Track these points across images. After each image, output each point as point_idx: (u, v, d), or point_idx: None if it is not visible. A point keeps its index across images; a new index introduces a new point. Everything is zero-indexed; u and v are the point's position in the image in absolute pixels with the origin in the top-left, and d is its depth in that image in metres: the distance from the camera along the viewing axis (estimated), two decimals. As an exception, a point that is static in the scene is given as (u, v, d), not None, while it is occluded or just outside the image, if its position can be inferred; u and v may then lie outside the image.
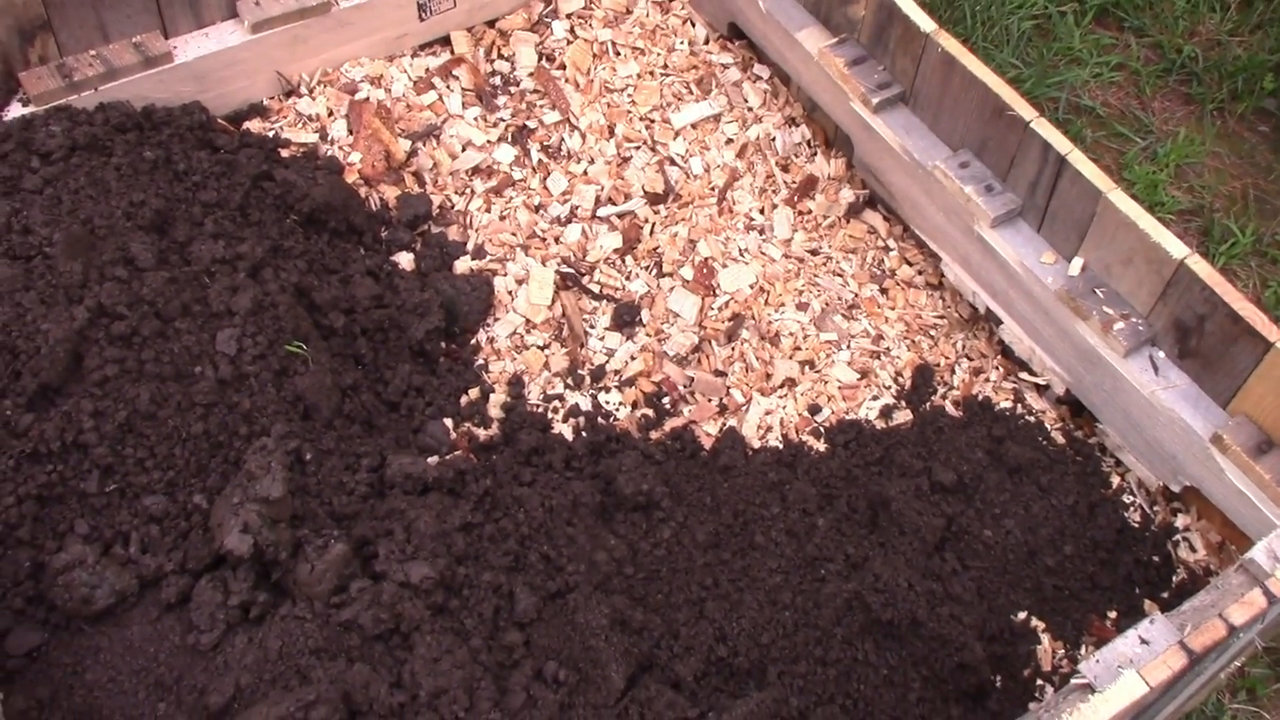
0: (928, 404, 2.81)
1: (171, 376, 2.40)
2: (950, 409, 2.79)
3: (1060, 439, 2.75)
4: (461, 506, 2.46)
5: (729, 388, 2.81)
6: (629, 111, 3.18)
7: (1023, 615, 2.47)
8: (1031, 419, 2.78)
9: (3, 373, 2.30)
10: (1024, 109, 2.65)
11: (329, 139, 3.03)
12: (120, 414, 2.34)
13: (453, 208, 3.04)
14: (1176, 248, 2.44)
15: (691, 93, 3.24)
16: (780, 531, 2.46)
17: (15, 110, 2.73)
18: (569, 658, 2.22)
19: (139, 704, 2.20)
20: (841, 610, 2.30)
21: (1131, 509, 2.65)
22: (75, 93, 2.76)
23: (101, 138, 2.69)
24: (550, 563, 2.41)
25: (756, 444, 2.72)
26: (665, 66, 3.27)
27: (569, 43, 3.26)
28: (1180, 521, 2.63)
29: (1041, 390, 2.82)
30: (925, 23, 2.79)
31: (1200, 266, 2.42)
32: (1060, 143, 2.59)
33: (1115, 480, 2.69)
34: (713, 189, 3.09)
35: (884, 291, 2.99)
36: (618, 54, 3.26)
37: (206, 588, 2.25)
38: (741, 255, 2.99)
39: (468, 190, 3.06)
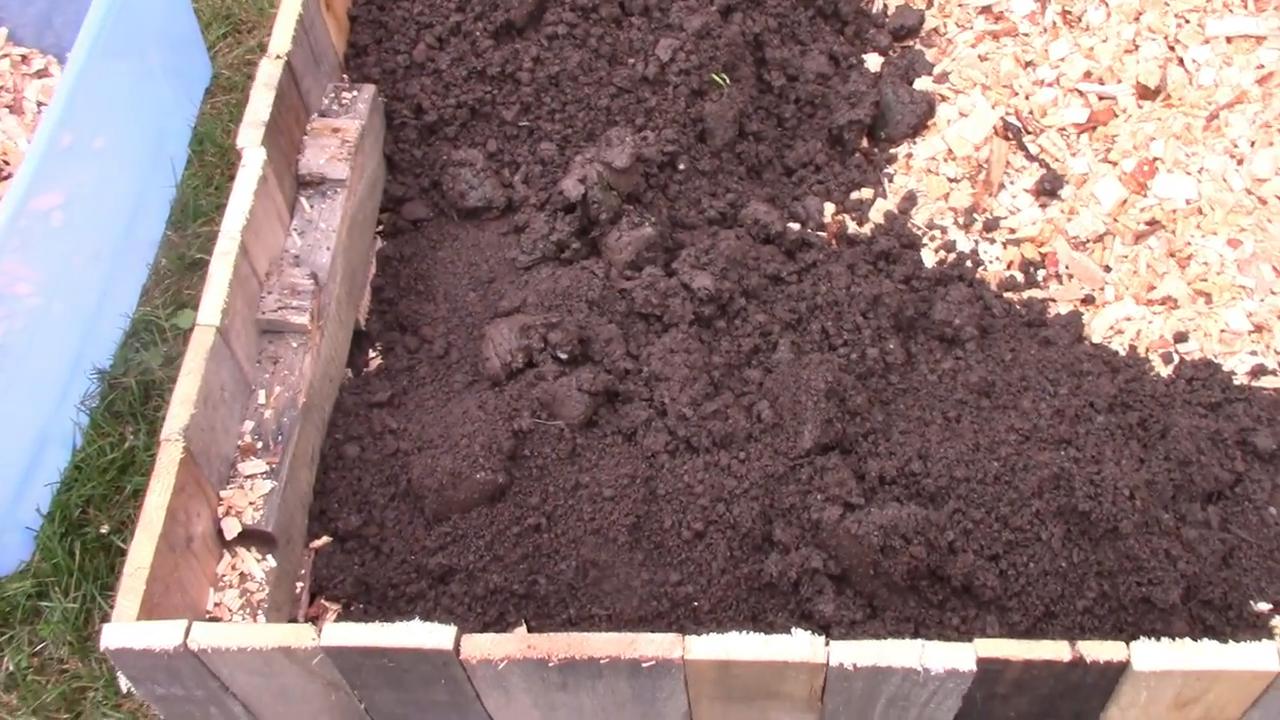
0: (1312, 385, 2.49)
1: (606, 56, 2.75)
2: (1334, 399, 2.46)
3: None
4: (780, 261, 2.60)
5: (1106, 284, 2.67)
6: (1167, 4, 3.00)
7: (1265, 607, 2.19)
8: None
9: (485, 4, 2.78)
10: None
11: (867, -64, 3.20)
12: (553, 67, 2.74)
13: (944, 34, 3.09)
14: None
15: (1246, 8, 2.99)
16: (1051, 408, 2.35)
17: None
18: (779, 403, 2.33)
19: (460, 286, 2.63)
20: (1046, 483, 2.18)
21: None
22: None
23: None
24: (827, 337, 2.50)
25: (1098, 339, 2.58)
26: (1232, -27, 3.03)
27: (1144, -78, 3.12)
28: None
29: None
30: None
31: None
32: None
33: None
34: (1210, 103, 2.86)
35: (1340, 266, 2.64)
36: (1187, -55, 3.07)
37: (540, 220, 2.61)
38: (1197, 173, 2.77)
39: (968, 25, 3.09)
